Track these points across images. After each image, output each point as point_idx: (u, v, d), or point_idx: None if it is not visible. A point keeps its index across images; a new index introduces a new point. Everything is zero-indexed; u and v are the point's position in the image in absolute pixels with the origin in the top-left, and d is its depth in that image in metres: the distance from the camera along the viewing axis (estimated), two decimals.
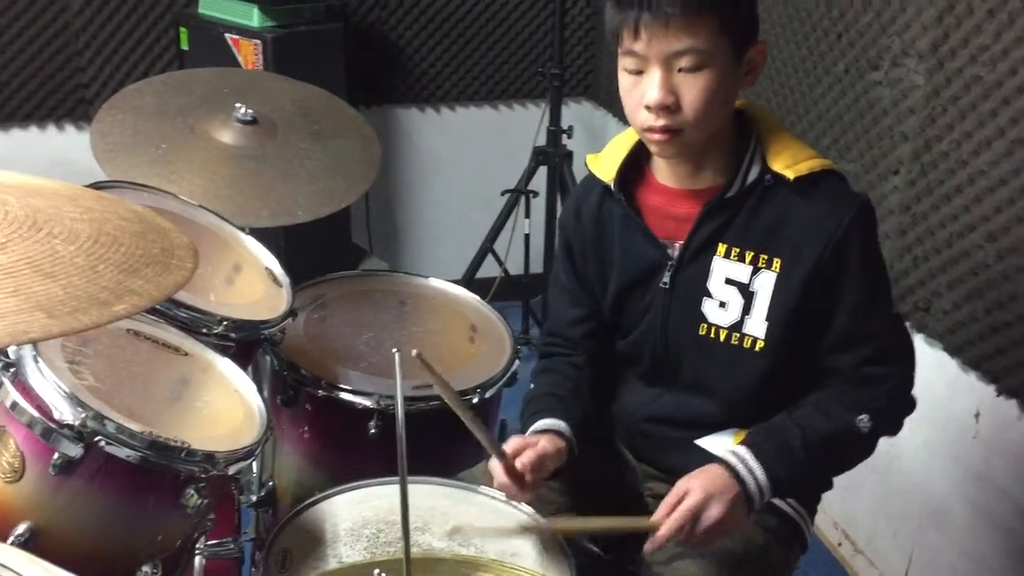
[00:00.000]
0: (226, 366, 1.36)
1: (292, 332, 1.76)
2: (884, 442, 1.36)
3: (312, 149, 1.93)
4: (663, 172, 1.38)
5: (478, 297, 2.05)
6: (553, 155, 3.07)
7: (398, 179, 3.49)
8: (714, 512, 1.24)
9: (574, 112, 3.49)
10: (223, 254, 1.63)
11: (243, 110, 1.88)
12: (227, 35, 2.76)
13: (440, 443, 1.76)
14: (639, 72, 1.25)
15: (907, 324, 2.00)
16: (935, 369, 1.98)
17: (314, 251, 2.77)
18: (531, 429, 1.41)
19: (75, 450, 1.06)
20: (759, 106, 1.40)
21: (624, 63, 1.26)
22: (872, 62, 2.09)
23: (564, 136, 3.07)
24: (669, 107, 1.23)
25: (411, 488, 1.36)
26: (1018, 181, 1.73)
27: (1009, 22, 1.71)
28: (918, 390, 1.38)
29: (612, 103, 3.45)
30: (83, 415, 1.07)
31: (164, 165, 1.79)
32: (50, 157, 3.02)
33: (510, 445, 1.32)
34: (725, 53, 1.23)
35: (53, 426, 1.07)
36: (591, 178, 1.45)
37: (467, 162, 3.49)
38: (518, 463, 1.29)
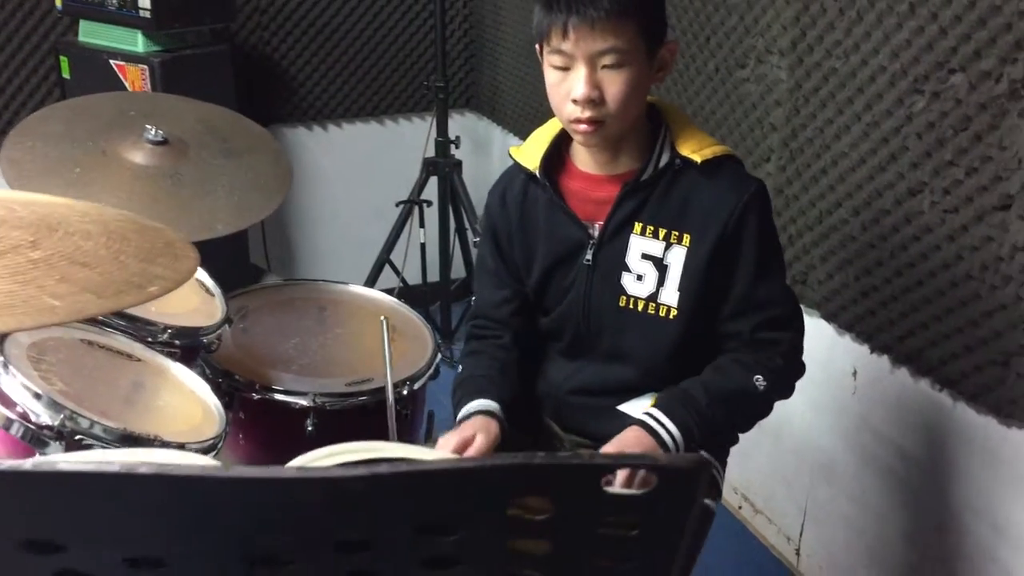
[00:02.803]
0: (178, 369, 1.42)
1: (221, 342, 1.81)
2: (775, 407, 1.50)
3: (226, 165, 1.98)
4: (583, 160, 1.51)
5: (394, 298, 2.14)
6: (443, 165, 3.16)
7: (291, 198, 3.51)
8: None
9: (459, 123, 3.59)
10: None
11: (153, 131, 1.91)
12: (112, 61, 2.75)
13: (374, 438, 1.85)
14: (566, 69, 1.38)
15: None
16: (814, 335, 2.15)
17: (214, 273, 2.77)
18: (463, 410, 1.50)
19: (56, 449, 1.11)
20: (667, 102, 1.55)
21: (551, 60, 1.39)
22: (739, 61, 2.29)
23: (452, 146, 3.17)
24: (594, 100, 1.36)
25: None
26: (875, 160, 1.95)
27: (858, 18, 1.92)
28: None
29: (494, 113, 3.59)
30: (60, 416, 1.12)
31: (81, 187, 1.81)
32: None
33: (449, 446, 1.38)
34: (641, 52, 1.37)
35: (32, 428, 1.12)
36: (515, 167, 1.57)
37: (359, 177, 3.55)
38: None
